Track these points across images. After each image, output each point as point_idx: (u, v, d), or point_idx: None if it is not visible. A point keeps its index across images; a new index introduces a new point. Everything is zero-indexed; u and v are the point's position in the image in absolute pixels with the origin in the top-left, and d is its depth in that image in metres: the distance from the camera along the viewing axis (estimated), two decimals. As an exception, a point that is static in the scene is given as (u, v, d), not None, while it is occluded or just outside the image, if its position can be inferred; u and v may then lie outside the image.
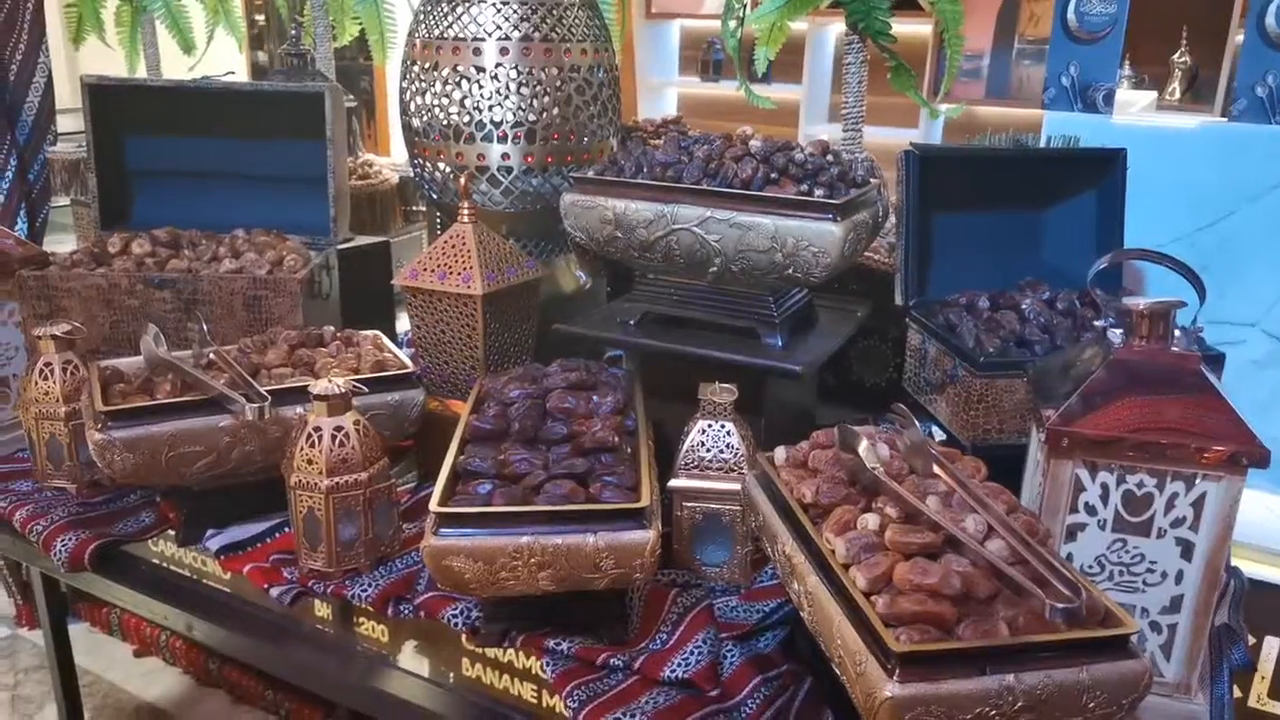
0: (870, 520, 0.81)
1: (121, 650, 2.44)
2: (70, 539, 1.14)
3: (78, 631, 2.32)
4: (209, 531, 1.18)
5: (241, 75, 4.18)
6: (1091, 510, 0.87)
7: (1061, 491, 0.87)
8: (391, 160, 2.36)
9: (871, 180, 1.23)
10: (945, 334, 1.16)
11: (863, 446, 0.86)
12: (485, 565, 0.88)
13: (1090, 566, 0.89)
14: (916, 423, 0.90)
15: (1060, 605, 0.68)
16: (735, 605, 1.04)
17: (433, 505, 0.89)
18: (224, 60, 3.03)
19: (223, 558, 1.13)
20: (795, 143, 1.20)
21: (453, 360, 1.29)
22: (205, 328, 1.22)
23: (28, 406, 1.24)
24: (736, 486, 1.04)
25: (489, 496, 0.90)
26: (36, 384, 1.23)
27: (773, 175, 1.16)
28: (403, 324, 1.78)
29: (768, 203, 1.13)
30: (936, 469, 0.86)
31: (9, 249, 1.37)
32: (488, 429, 1.01)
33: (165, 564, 1.17)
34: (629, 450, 0.99)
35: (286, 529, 1.13)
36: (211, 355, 1.21)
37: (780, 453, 0.98)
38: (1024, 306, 1.16)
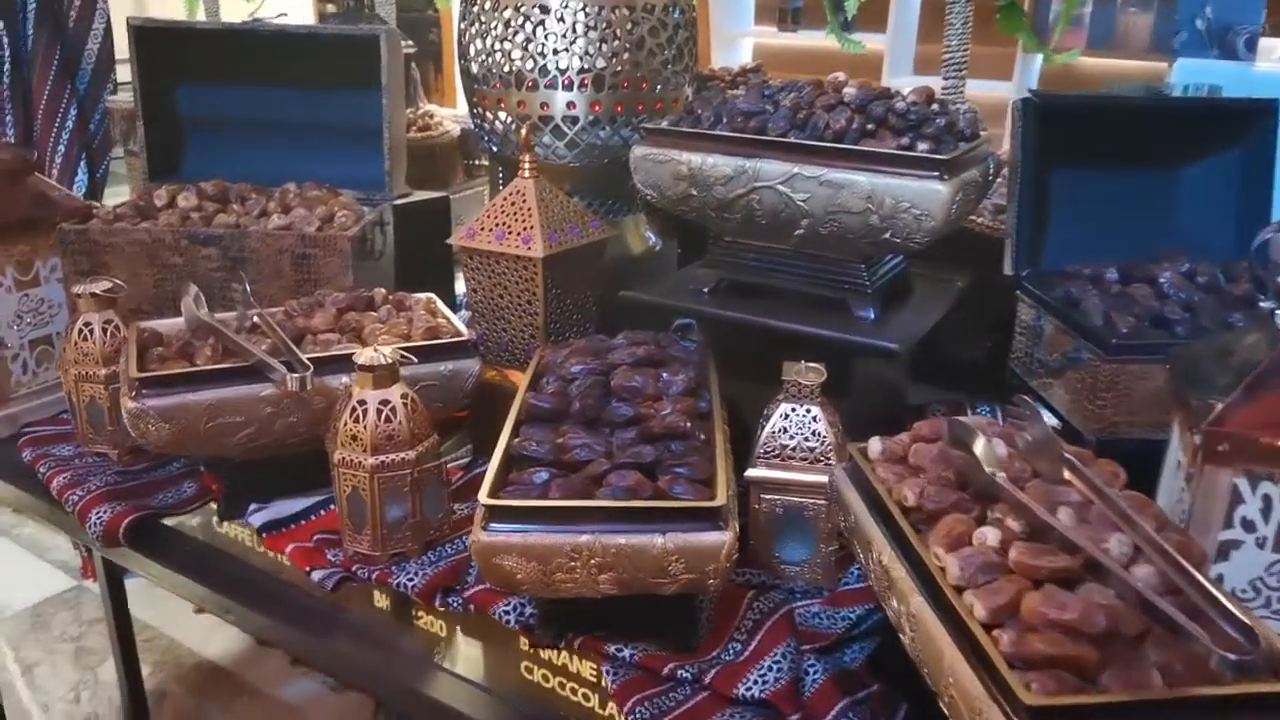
0: (989, 535, 0.69)
1: (182, 606, 2.44)
2: (106, 511, 1.08)
3: (138, 585, 2.33)
4: (252, 506, 1.10)
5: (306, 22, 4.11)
6: (1249, 526, 0.74)
7: (1215, 503, 0.73)
8: (454, 112, 2.26)
9: (981, 134, 1.08)
10: (1066, 310, 1.02)
11: (979, 444, 0.74)
12: (539, 565, 0.78)
13: (1243, 590, 0.76)
14: (1044, 416, 0.77)
15: (1231, 655, 0.56)
16: (818, 611, 0.93)
17: (482, 496, 0.79)
18: (290, 7, 2.95)
19: (265, 536, 1.06)
20: (896, 90, 1.07)
21: (511, 327, 1.19)
22: (248, 288, 1.14)
23: (67, 368, 1.18)
24: (822, 479, 0.92)
25: (545, 488, 0.80)
26: (76, 344, 1.17)
27: (870, 127, 1.03)
28: (462, 286, 1.69)
29: (864, 158, 1.00)
30: (1068, 474, 0.74)
31: (52, 200, 1.30)
32: (545, 408, 0.91)
33: (205, 538, 1.10)
34: (702, 437, 0.88)
35: (333, 505, 1.05)
36: (255, 318, 1.13)
37: (875, 444, 0.86)
38: (1161, 281, 1.01)
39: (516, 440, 0.87)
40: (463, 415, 1.26)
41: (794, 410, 0.94)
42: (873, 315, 1.07)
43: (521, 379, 1.19)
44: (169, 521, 1.11)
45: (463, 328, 1.16)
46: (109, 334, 1.17)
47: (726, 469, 0.83)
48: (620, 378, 0.92)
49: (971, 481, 0.75)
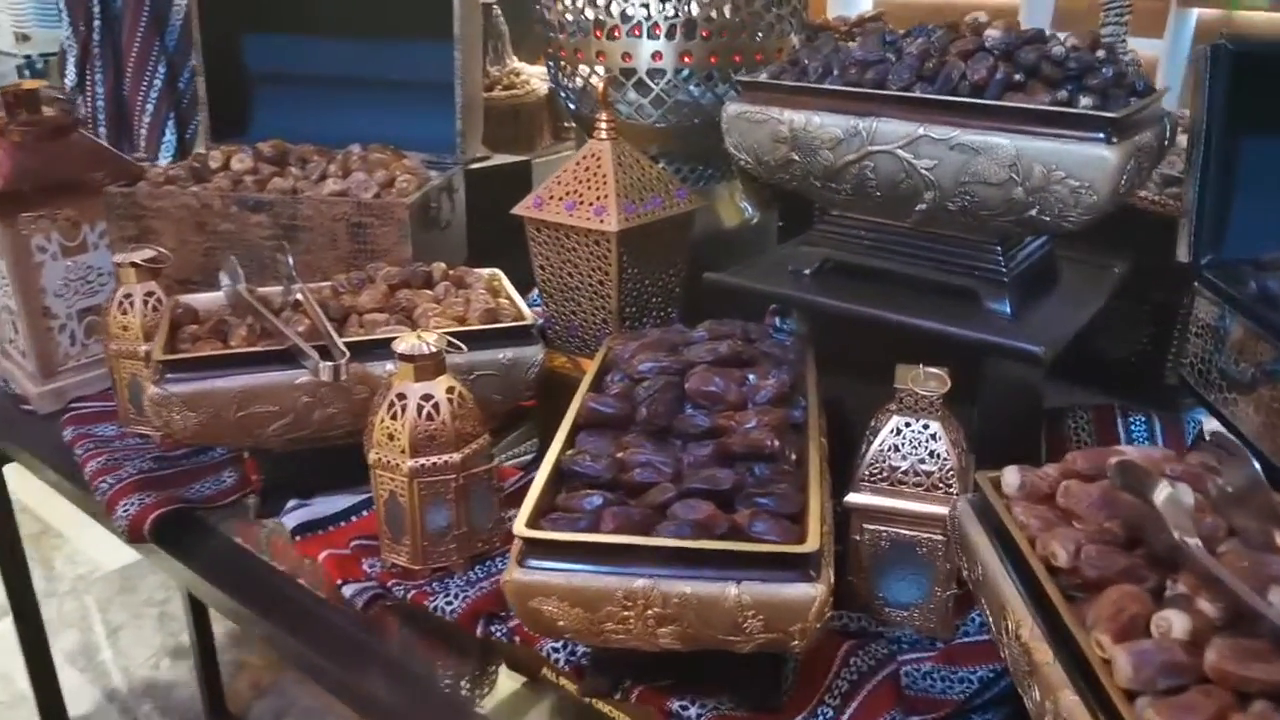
0: (1175, 622, 0.51)
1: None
2: (134, 503, 0.99)
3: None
4: (291, 502, 0.99)
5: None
6: None
7: None
8: (543, 70, 2.11)
9: (1155, 88, 0.88)
10: (1263, 309, 0.81)
11: (1161, 493, 0.56)
12: (586, 612, 0.64)
13: None
14: (1252, 459, 0.59)
15: None
16: (930, 671, 0.76)
17: (519, 525, 0.65)
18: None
19: (298, 538, 0.95)
20: (1051, 33, 0.87)
21: (581, 310, 1.05)
22: (290, 260, 1.02)
23: (108, 343, 1.09)
24: (941, 510, 0.75)
25: (597, 517, 0.66)
26: (116, 318, 1.08)
27: (1017, 78, 0.84)
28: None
29: (1009, 115, 0.81)
30: (1283, 539, 0.55)
31: (101, 159, 1.21)
32: (606, 413, 0.77)
33: (242, 536, 1.00)
34: (793, 457, 0.72)
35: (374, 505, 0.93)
36: (299, 294, 1.01)
37: (1012, 476, 0.68)
38: (1391, 275, 0.79)
39: (569, 453, 0.73)
40: (530, 404, 1.13)
41: (908, 425, 0.77)
42: (1009, 309, 0.88)
43: (589, 365, 1.05)
44: (205, 515, 1.02)
45: (526, 309, 1.02)
46: (150, 307, 1.08)
47: (821, 501, 0.67)
48: (697, 380, 0.77)
49: (1147, 540, 0.57)
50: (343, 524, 0.97)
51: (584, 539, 0.63)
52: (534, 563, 0.64)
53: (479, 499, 0.89)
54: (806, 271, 0.99)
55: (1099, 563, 0.56)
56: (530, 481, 1.03)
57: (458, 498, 0.87)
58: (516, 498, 0.99)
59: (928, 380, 0.76)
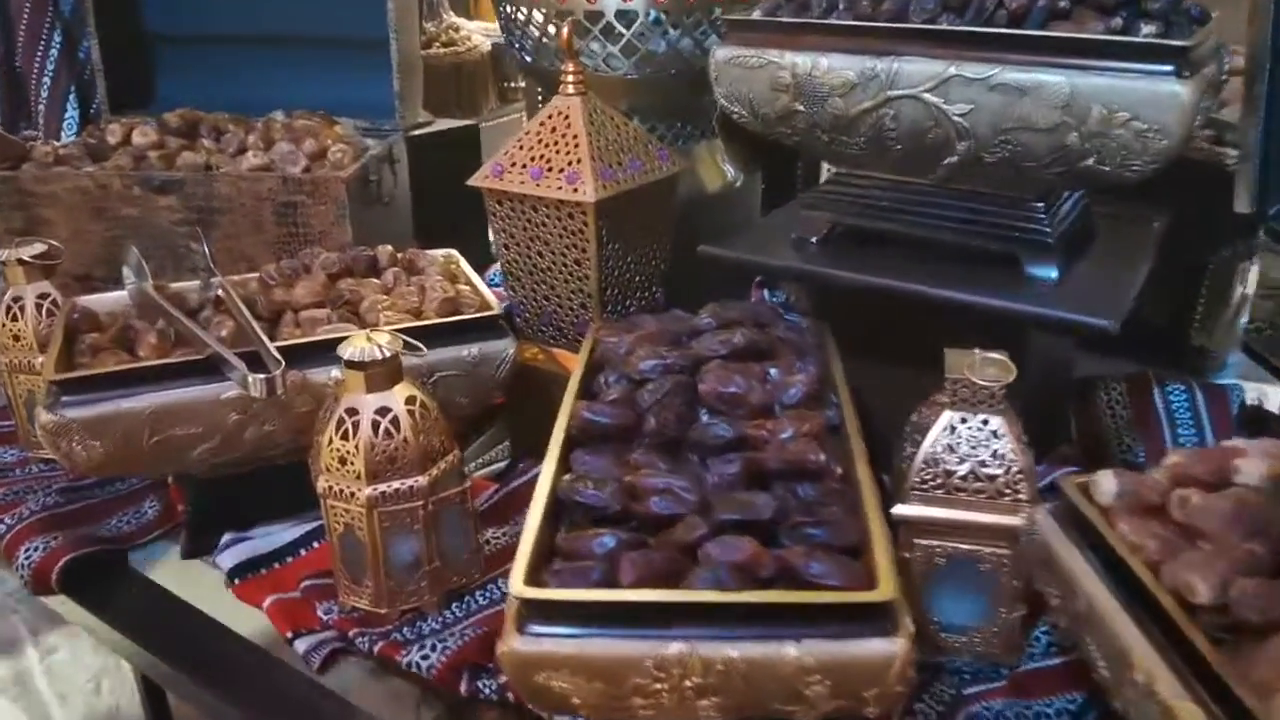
0: (1386, 686, 0.40)
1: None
2: (38, 546, 0.83)
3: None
4: (225, 537, 0.85)
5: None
6: None
7: None
8: (486, 25, 1.94)
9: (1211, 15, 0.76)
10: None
11: (1334, 514, 0.44)
12: (607, 686, 0.51)
13: None
14: None
15: None
16: (1003, 710, 0.65)
17: (516, 582, 0.51)
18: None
19: (237, 582, 0.80)
20: (1098, -49, 0.74)
21: (555, 295, 0.91)
22: (207, 249, 0.86)
23: (-3, 356, 0.93)
24: (1009, 520, 0.64)
25: (611, 564, 0.52)
26: (5, 326, 0.91)
27: (1062, 4, 0.72)
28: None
29: (1059, 48, 0.69)
30: None
31: (-24, 141, 1.04)
32: (606, 424, 0.63)
33: (172, 578, 0.85)
34: (838, 471, 0.59)
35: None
36: (219, 290, 0.86)
37: (1108, 483, 0.57)
38: None
39: (567, 479, 0.59)
40: (497, 402, 0.99)
41: (964, 422, 0.65)
42: (1055, 274, 0.77)
43: (570, 360, 0.91)
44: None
45: (491, 297, 0.88)
46: (45, 311, 0.91)
47: (882, 528, 0.55)
48: (713, 379, 0.64)
49: (1312, 569, 0.46)
50: (289, 560, 0.83)
51: (601, 597, 0.50)
52: (538, 628, 0.51)
53: (452, 526, 0.75)
54: (813, 240, 0.86)
55: (1259, 602, 0.45)
56: (510, 494, 0.90)
57: (427, 527, 0.73)
58: (496, 514, 0.86)
59: (987, 367, 0.64)
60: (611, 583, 0.52)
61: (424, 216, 1.23)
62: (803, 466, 0.57)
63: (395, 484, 0.71)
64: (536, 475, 0.89)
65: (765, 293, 1.11)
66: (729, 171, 1.12)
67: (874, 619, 0.50)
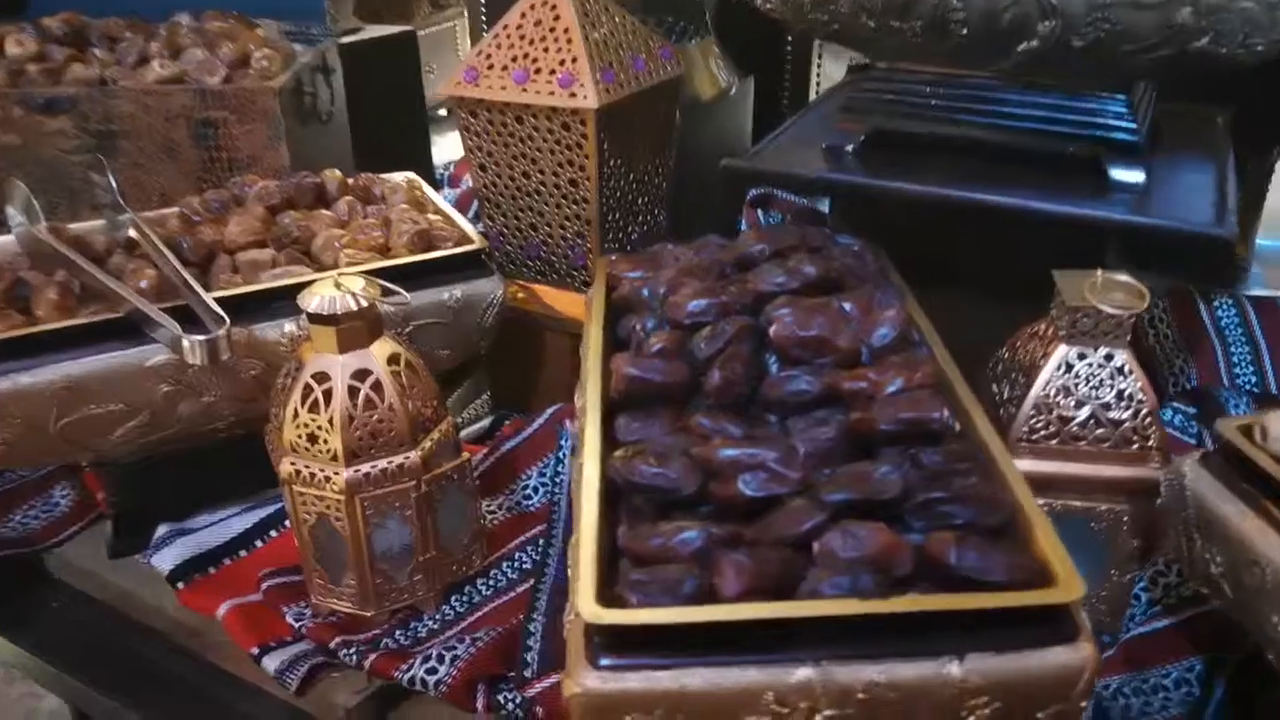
0: None
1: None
2: (-79, 558, 0.67)
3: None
4: (161, 529, 0.70)
5: None
6: None
7: None
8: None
9: None
10: None
11: None
12: (712, 728, 0.39)
13: None
14: None
15: None
16: (1121, 688, 0.55)
17: (586, 602, 0.39)
18: None
19: (182, 586, 0.66)
20: None
21: (544, 223, 0.77)
22: (113, 180, 0.70)
23: None
24: (1141, 473, 0.54)
25: (706, 567, 0.40)
26: None
27: None
28: (446, 152, 1.24)
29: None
30: None
31: None
32: (658, 382, 0.50)
33: (96, 585, 0.70)
34: (957, 427, 0.48)
35: (289, 521, 0.64)
36: (131, 230, 0.69)
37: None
38: None
39: (620, 455, 0.46)
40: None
41: (1083, 358, 0.54)
42: (1143, 178, 0.66)
43: (560, 300, 0.78)
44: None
45: (469, 227, 0.74)
46: (-93, 264, 0.73)
47: (1032, 500, 0.44)
48: (789, 321, 0.51)
49: None
50: (244, 554, 0.69)
51: (704, 616, 0.38)
52: (619, 660, 0.38)
53: (450, 507, 0.62)
54: (849, 148, 0.73)
55: None
56: (502, 458, 0.77)
57: (421, 511, 0.60)
58: (483, 487, 0.73)
59: (1112, 291, 0.53)
60: (708, 595, 0.39)
61: (362, 138, 1.06)
62: (924, 426, 0.45)
63: (381, 463, 0.57)
64: (532, 436, 0.78)
65: (760, 215, 0.99)
66: (723, 77, 0.98)
67: (1053, 623, 0.39)
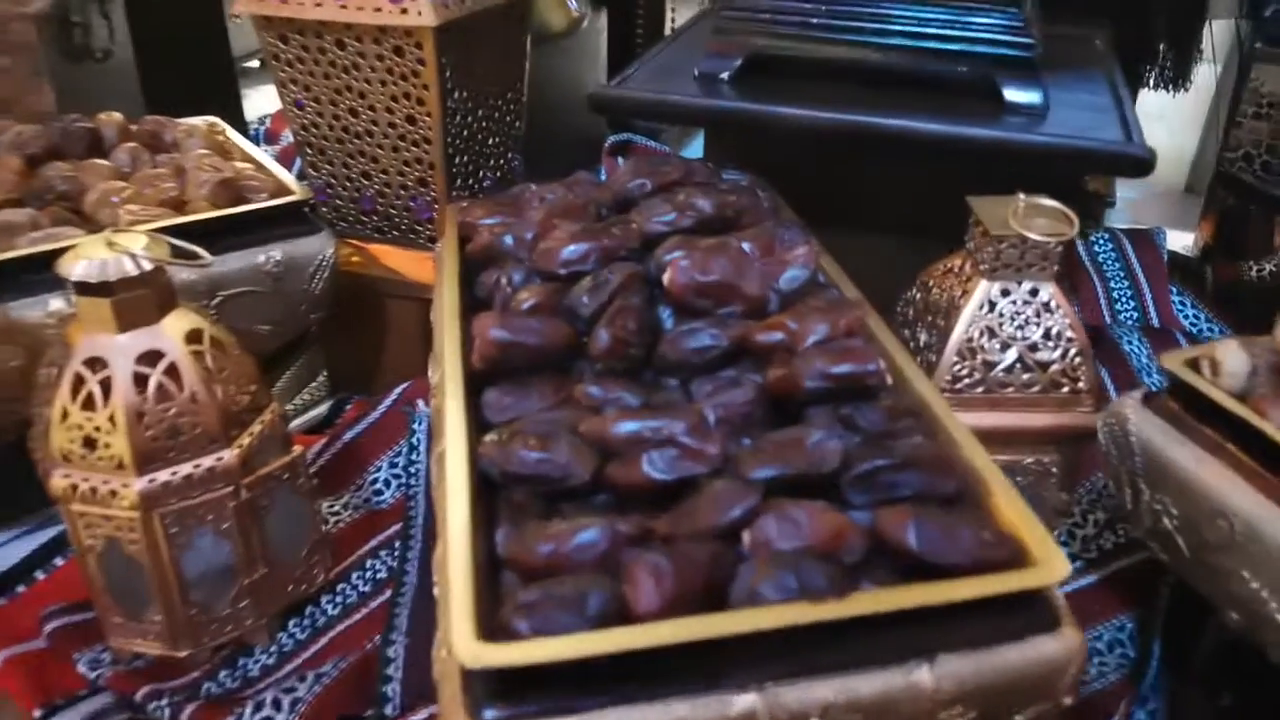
0: None
1: None
2: None
3: None
4: (-94, 565, 0.55)
5: None
6: None
7: None
8: None
9: None
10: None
11: None
12: (635, 782, 0.30)
13: None
14: None
15: None
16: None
17: (459, 642, 0.29)
18: None
19: (-66, 637, 0.52)
20: None
21: (378, 170, 0.66)
22: None
23: None
24: (1069, 420, 0.49)
25: (609, 574, 0.31)
26: None
27: None
28: (262, 108, 1.09)
29: None
30: None
31: None
32: (534, 345, 0.41)
33: None
34: (889, 380, 0.41)
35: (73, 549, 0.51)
36: None
37: (1237, 359, 0.42)
38: None
39: (491, 440, 0.37)
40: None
41: (1007, 295, 0.48)
42: (1039, 98, 0.61)
43: (404, 261, 0.68)
44: None
45: (287, 175, 0.62)
46: None
47: (988, 459, 0.37)
48: (683, 267, 0.42)
49: None
50: (20, 590, 0.55)
51: (616, 644, 0.29)
52: (507, 711, 0.29)
53: (281, 513, 0.51)
54: (724, 75, 0.65)
55: None
56: (348, 447, 0.66)
57: (243, 522, 0.49)
58: (325, 484, 0.62)
59: (1034, 217, 0.47)
60: (618, 613, 0.31)
61: (156, 86, 0.91)
62: (858, 381, 0.38)
63: (185, 468, 0.46)
64: (379, 420, 0.67)
65: (619, 160, 0.91)
66: (573, 5, 0.88)
67: (1029, 609, 0.32)
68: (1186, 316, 0.83)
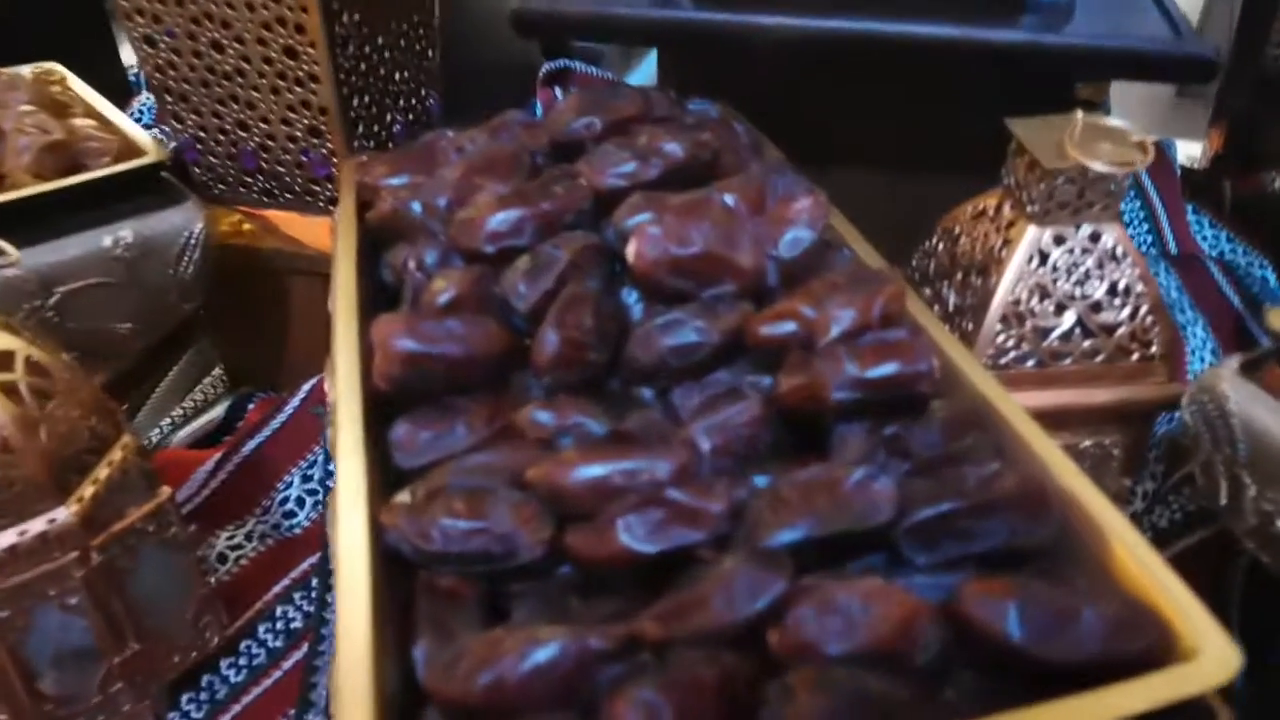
0: None
1: None
2: None
3: None
4: None
5: None
6: None
7: None
8: None
9: None
10: None
11: None
12: None
13: None
14: None
15: None
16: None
17: None
18: None
19: None
20: None
21: (256, 121, 0.53)
22: None
23: None
24: (1141, 394, 0.39)
25: (575, 717, 0.21)
26: None
27: None
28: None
29: None
30: None
31: None
32: (451, 358, 0.30)
33: None
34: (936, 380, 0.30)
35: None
36: None
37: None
38: None
39: (402, 503, 0.26)
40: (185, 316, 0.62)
41: (1062, 243, 0.38)
42: (1064, -4, 0.50)
43: (303, 228, 0.56)
44: None
45: (140, 132, 0.49)
46: None
47: (1090, 484, 0.27)
48: (653, 235, 0.31)
49: None
50: None
51: None
52: None
53: (151, 572, 0.40)
54: (679, -19, 0.53)
55: None
56: (239, 466, 0.55)
57: (98, 594, 0.37)
58: (220, 511, 0.51)
59: (1097, 141, 0.37)
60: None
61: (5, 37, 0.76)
62: (906, 387, 0.27)
63: (7, 536, 0.34)
64: (287, 423, 0.56)
65: (557, 92, 0.78)
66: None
67: (1181, 716, 0.23)
68: (1205, 238, 0.74)
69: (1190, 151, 0.87)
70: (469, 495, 0.26)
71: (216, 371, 0.63)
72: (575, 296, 0.30)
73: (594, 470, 0.26)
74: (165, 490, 0.40)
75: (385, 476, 0.29)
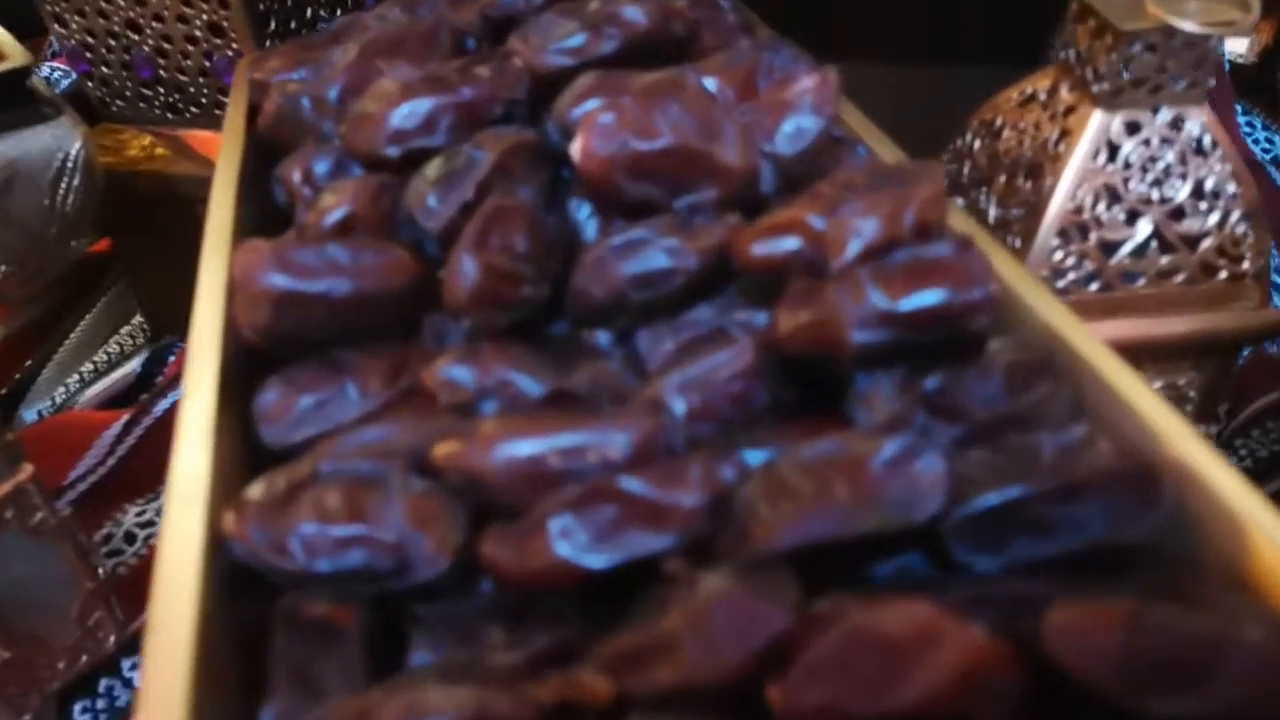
0: None
1: None
2: None
3: None
4: None
5: None
6: None
7: None
8: None
9: None
10: None
11: None
12: None
13: None
14: None
15: None
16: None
17: None
18: None
19: None
20: None
21: (149, 19, 0.44)
22: None
23: None
24: (1220, 321, 0.31)
25: None
26: None
27: None
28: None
29: None
30: None
31: None
32: (339, 297, 0.22)
33: None
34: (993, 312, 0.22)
35: None
36: None
37: None
38: None
39: (250, 505, 0.18)
40: (98, 250, 0.55)
41: (1136, 132, 0.30)
42: None
43: (216, 146, 0.47)
44: None
45: (8, 40, 0.41)
46: None
47: (1201, 447, 0.19)
48: (606, 125, 0.23)
49: None
50: None
51: None
52: None
53: (19, 567, 0.33)
54: None
55: None
56: (151, 426, 0.48)
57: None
58: (128, 484, 0.44)
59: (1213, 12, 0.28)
60: None
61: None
62: (954, 322, 0.20)
63: None
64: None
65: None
66: None
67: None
68: (1257, 141, 0.65)
69: (1236, 47, 0.78)
70: (347, 487, 0.19)
71: (136, 320, 0.55)
72: (501, 210, 0.22)
73: (522, 448, 0.19)
74: (27, 468, 0.33)
75: (258, 463, 0.21)
